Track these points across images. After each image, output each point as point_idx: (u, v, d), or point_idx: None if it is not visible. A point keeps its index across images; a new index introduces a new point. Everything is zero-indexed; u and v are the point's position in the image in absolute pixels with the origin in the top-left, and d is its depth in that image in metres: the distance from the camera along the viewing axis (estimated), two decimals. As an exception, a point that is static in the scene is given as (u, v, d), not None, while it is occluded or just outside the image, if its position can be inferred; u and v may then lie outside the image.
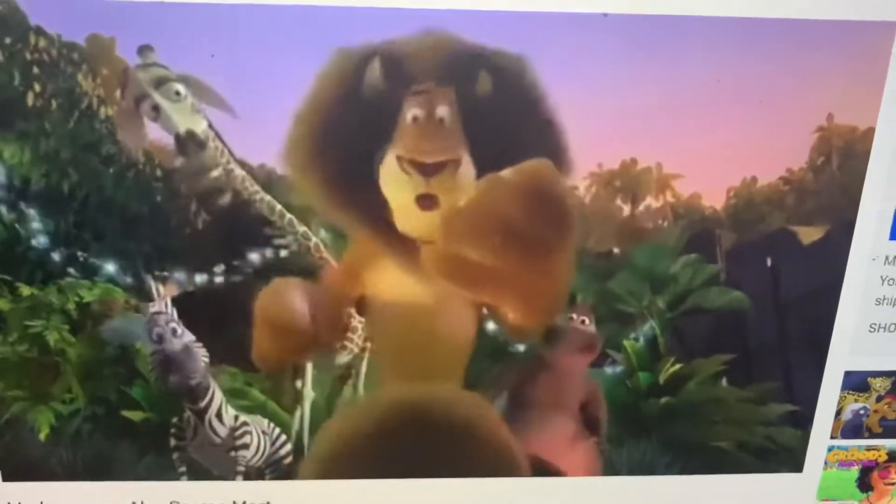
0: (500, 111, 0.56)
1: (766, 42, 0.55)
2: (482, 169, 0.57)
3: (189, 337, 0.61)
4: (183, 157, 0.56)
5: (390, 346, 0.63)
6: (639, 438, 0.66)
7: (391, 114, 0.56)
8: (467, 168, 0.57)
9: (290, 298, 0.60)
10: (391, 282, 0.60)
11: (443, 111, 0.55)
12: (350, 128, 0.56)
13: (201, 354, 0.62)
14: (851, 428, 0.67)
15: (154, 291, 0.60)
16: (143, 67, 0.53)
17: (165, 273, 0.59)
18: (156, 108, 0.54)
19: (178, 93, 0.54)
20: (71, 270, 0.59)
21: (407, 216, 0.58)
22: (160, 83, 0.54)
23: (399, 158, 0.56)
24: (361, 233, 0.59)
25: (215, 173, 0.56)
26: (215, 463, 0.65)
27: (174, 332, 0.61)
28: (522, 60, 0.54)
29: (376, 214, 0.58)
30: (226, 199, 0.57)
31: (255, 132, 0.56)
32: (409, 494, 0.66)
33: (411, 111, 0.55)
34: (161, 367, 0.62)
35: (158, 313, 0.60)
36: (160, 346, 0.61)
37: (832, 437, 0.67)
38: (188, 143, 0.55)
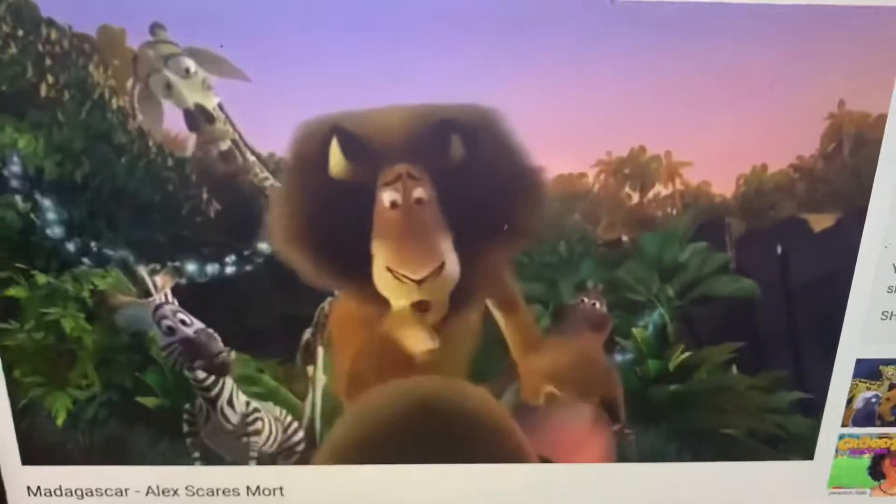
0: (476, 173, 0.57)
1: (777, 28, 0.55)
2: (465, 244, 0.58)
3: (199, 324, 0.62)
4: (193, 132, 0.56)
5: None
6: (648, 426, 0.66)
7: (366, 194, 0.57)
8: (451, 264, 0.58)
9: None
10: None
11: (419, 192, 0.56)
12: (328, 209, 0.57)
13: (216, 336, 0.63)
14: (863, 416, 0.67)
15: (150, 285, 0.60)
16: (153, 44, 0.54)
17: (158, 265, 0.60)
18: (167, 85, 0.55)
19: (188, 69, 0.54)
20: (85, 259, 0.60)
21: (405, 316, 0.60)
22: (169, 58, 0.54)
23: (390, 270, 0.58)
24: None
25: (224, 146, 0.57)
26: (228, 449, 0.66)
27: (183, 322, 0.61)
28: (494, 112, 0.55)
29: (367, 295, 0.59)
30: (233, 174, 0.57)
31: (265, 121, 0.56)
32: (419, 480, 0.67)
33: (388, 195, 0.56)
34: (182, 355, 0.62)
35: (162, 305, 0.61)
36: (174, 338, 0.62)
37: (843, 426, 0.67)
38: (198, 117, 0.56)
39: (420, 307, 0.60)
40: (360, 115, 0.55)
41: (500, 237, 0.59)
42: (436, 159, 0.56)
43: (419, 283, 0.58)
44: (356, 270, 0.59)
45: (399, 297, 0.59)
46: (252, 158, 0.57)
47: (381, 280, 0.59)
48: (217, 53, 0.54)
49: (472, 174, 0.57)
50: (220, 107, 0.56)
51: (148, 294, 0.61)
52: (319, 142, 0.55)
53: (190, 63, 0.54)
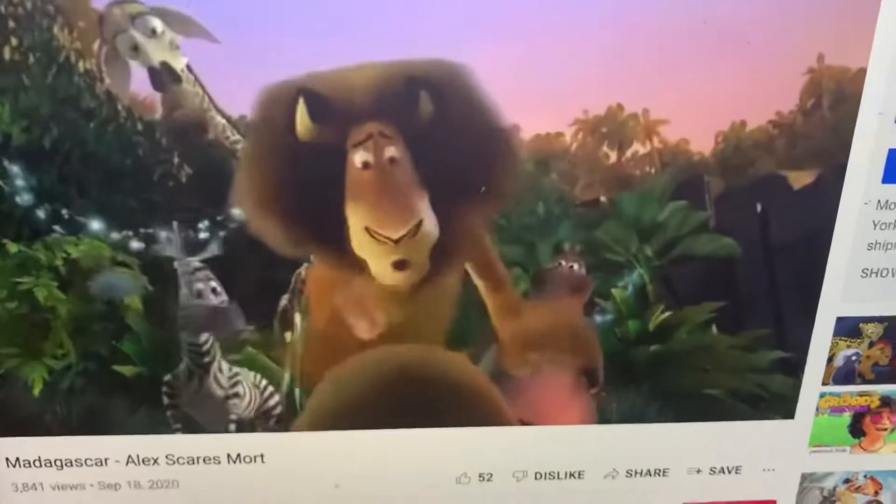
0: (448, 130, 0.56)
1: (754, -19, 0.54)
2: (442, 204, 0.57)
3: (224, 298, 0.61)
4: (159, 92, 0.55)
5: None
6: (629, 386, 0.66)
7: (336, 156, 0.56)
8: (429, 222, 0.57)
9: None
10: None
11: (392, 151, 0.55)
12: (298, 172, 0.56)
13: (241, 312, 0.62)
14: (843, 374, 0.67)
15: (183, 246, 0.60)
16: (119, 4, 0.52)
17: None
18: (134, 46, 0.54)
19: (154, 29, 0.53)
20: (56, 227, 0.59)
21: (384, 275, 0.59)
22: (136, 18, 0.53)
23: (368, 230, 0.57)
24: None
25: (189, 107, 0.56)
26: (209, 414, 0.66)
27: (214, 290, 0.61)
28: (461, 67, 0.54)
29: (343, 259, 0.59)
30: (207, 136, 0.56)
31: (235, 82, 0.55)
32: (400, 445, 0.67)
33: (358, 157, 0.55)
34: (202, 321, 0.62)
35: (199, 269, 0.60)
36: (198, 301, 0.61)
37: (824, 384, 0.67)
38: (164, 76, 0.55)
39: (399, 266, 0.59)
40: (326, 76, 0.54)
41: (476, 197, 0.58)
42: (405, 117, 0.55)
43: (397, 241, 0.58)
44: (330, 235, 0.58)
45: (377, 258, 0.59)
46: (222, 121, 0.56)
47: (358, 241, 0.58)
48: (184, 13, 0.53)
49: (442, 132, 0.56)
50: (189, 68, 0.55)
51: (189, 254, 0.60)
52: (285, 104, 0.54)
53: (157, 23, 0.53)
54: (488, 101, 0.55)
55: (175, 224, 0.59)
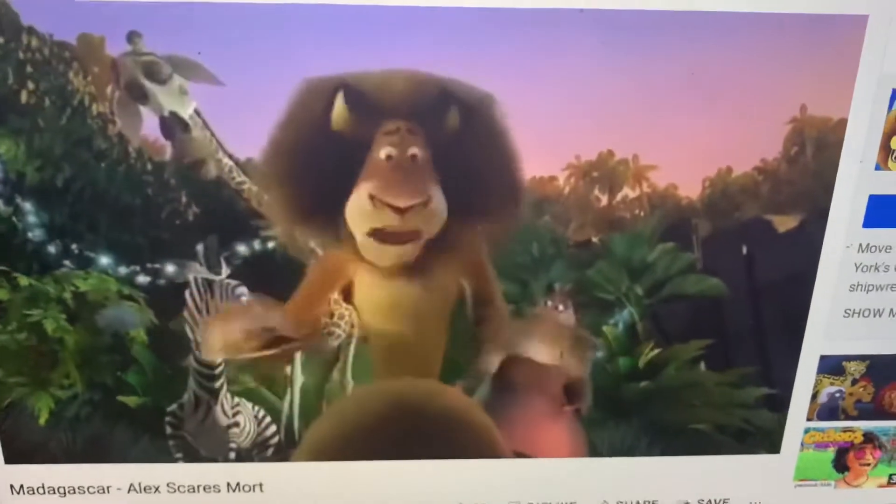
0: (468, 146, 0.58)
1: (739, 35, 0.56)
2: (452, 202, 0.59)
3: None
4: (168, 140, 0.58)
5: (373, 338, 0.65)
6: (619, 421, 0.68)
7: (361, 148, 0.58)
8: (438, 202, 0.59)
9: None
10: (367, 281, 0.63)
11: (415, 149, 0.58)
12: (322, 158, 0.58)
13: None
14: (827, 410, 0.69)
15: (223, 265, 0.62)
16: (131, 53, 0.55)
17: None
18: (144, 95, 0.56)
19: (164, 76, 0.56)
20: (66, 262, 0.61)
21: (373, 250, 0.61)
22: (147, 66, 0.55)
23: (372, 197, 0.59)
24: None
25: (197, 153, 0.58)
26: (210, 443, 0.67)
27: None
28: (490, 97, 0.56)
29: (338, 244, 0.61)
30: (211, 175, 0.59)
31: (242, 126, 0.58)
32: (397, 476, 0.68)
33: (384, 150, 0.58)
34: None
35: (239, 284, 0.62)
36: None
37: (808, 420, 0.69)
38: (173, 125, 0.57)
39: (392, 237, 0.60)
40: (366, 75, 0.56)
41: (482, 213, 0.60)
42: (433, 124, 0.57)
43: (403, 211, 0.59)
44: (330, 205, 0.59)
45: (370, 223, 0.60)
46: (229, 162, 0.58)
47: (358, 208, 0.59)
48: (193, 59, 0.55)
49: (463, 147, 0.58)
50: (197, 112, 0.57)
51: (218, 272, 0.62)
52: (324, 95, 0.56)
53: (167, 70, 0.56)
54: (506, 133, 0.58)
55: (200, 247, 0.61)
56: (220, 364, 0.65)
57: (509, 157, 0.59)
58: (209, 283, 0.62)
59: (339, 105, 0.57)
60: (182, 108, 0.57)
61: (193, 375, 0.65)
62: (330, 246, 0.61)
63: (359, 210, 0.59)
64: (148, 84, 0.56)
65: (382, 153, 0.58)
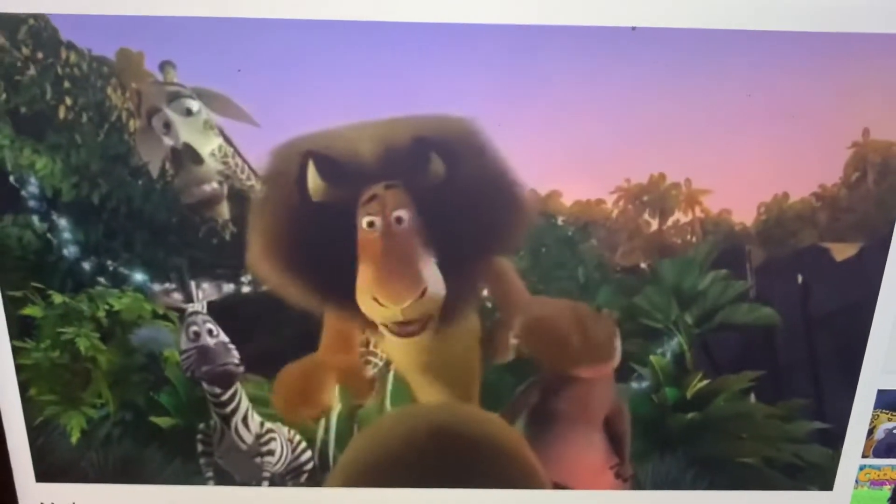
0: (462, 187, 0.56)
1: (800, 56, 0.54)
2: (452, 259, 0.58)
3: (224, 338, 0.62)
4: (177, 169, 0.57)
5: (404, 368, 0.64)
6: (664, 453, 0.65)
7: (348, 216, 0.57)
8: (435, 286, 0.58)
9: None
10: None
11: (400, 211, 0.56)
12: (311, 231, 0.57)
13: (234, 351, 0.62)
14: (884, 447, 0.66)
15: (194, 294, 0.60)
16: (157, 84, 0.54)
17: (173, 286, 0.60)
18: (167, 124, 0.55)
19: (189, 109, 0.55)
20: (101, 279, 0.60)
21: (391, 334, 0.60)
22: (172, 98, 0.54)
23: (375, 299, 0.58)
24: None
25: (208, 188, 0.57)
26: (241, 468, 0.66)
27: (210, 332, 0.62)
28: (467, 122, 0.54)
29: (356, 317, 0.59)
30: (222, 210, 0.57)
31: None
32: (430, 503, 0.66)
33: (366, 218, 0.56)
34: (195, 360, 0.62)
35: (196, 313, 0.61)
36: (196, 343, 0.62)
37: (864, 456, 0.66)
38: (183, 156, 0.56)
39: (402, 329, 0.59)
40: (332, 134, 0.54)
41: (487, 251, 0.59)
42: (415, 178, 0.56)
43: (404, 308, 0.58)
44: (343, 292, 0.58)
45: (384, 321, 0.59)
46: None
47: (366, 307, 0.58)
48: (223, 94, 0.54)
49: (455, 191, 0.56)
50: (229, 141, 0.56)
51: (189, 300, 0.61)
52: (297, 165, 0.55)
53: (193, 104, 0.54)
54: (498, 155, 0.55)
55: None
56: (222, 392, 0.63)
57: (505, 178, 0.56)
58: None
59: (312, 175, 0.55)
60: (205, 141, 0.56)
61: (208, 401, 0.64)
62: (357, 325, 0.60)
63: (366, 306, 0.58)
64: (172, 115, 0.55)
65: (365, 221, 0.56)
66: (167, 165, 0.56)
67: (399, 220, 0.56)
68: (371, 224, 0.56)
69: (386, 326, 0.60)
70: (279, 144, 0.55)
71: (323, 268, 0.59)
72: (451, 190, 0.56)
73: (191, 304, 0.61)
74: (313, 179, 0.55)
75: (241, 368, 0.63)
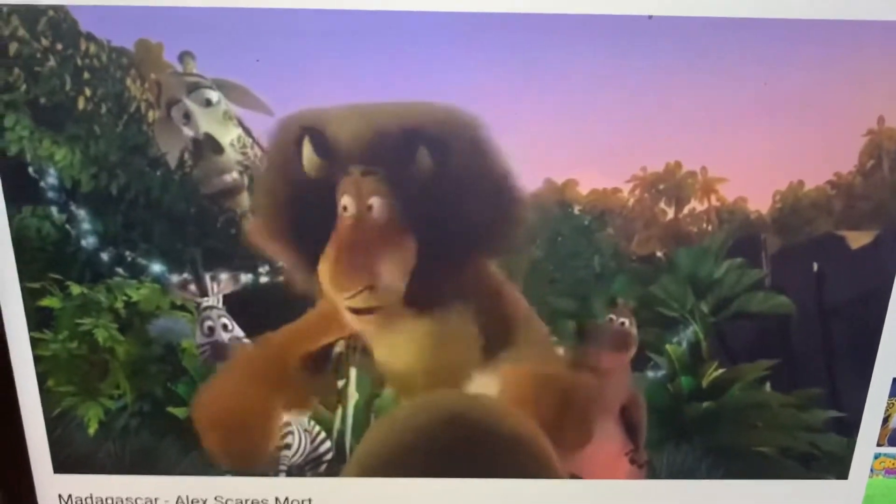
0: (448, 185, 0.56)
1: (815, 44, 0.54)
2: (434, 254, 0.58)
3: (239, 332, 0.62)
4: (197, 160, 0.57)
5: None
6: (680, 442, 0.65)
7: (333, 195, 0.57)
8: (389, 281, 0.58)
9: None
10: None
11: (374, 199, 0.56)
12: (301, 204, 0.57)
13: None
14: (900, 435, 0.66)
15: (209, 287, 0.61)
16: (177, 74, 0.54)
17: (190, 276, 0.61)
18: (187, 115, 0.55)
19: (209, 100, 0.55)
20: (119, 270, 0.60)
21: (351, 318, 0.60)
22: (192, 89, 0.55)
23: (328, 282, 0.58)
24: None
25: (229, 178, 0.57)
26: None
27: (225, 326, 0.62)
28: (475, 121, 0.54)
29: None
30: (242, 201, 0.58)
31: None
32: (448, 494, 0.66)
33: (342, 200, 0.56)
34: (210, 356, 0.63)
35: (211, 307, 0.61)
36: (211, 339, 0.62)
37: (879, 445, 0.66)
38: (204, 146, 0.56)
39: (355, 312, 0.59)
40: (333, 113, 0.55)
41: (473, 247, 0.59)
42: (400, 170, 0.56)
43: (352, 296, 0.58)
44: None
45: (340, 303, 0.59)
46: None
47: (323, 283, 0.59)
48: (241, 84, 0.54)
49: (442, 186, 0.56)
50: (248, 132, 0.56)
51: (205, 294, 0.61)
52: (294, 139, 0.55)
53: (213, 94, 0.55)
54: (495, 154, 0.55)
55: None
56: None
57: (500, 179, 0.56)
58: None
59: (308, 150, 0.55)
60: (226, 131, 0.56)
61: None
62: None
63: (324, 285, 0.58)
64: (191, 105, 0.55)
65: (341, 204, 0.56)
66: (186, 156, 0.57)
67: (370, 208, 0.56)
68: (345, 208, 0.56)
69: (342, 308, 0.60)
70: (286, 116, 0.55)
71: (310, 242, 0.58)
72: (439, 184, 0.56)
73: (205, 299, 0.61)
74: (308, 155, 0.55)
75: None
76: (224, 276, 0.60)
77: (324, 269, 0.58)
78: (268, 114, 0.55)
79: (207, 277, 0.61)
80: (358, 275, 0.58)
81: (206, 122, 0.56)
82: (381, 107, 0.54)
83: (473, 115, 0.55)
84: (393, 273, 0.58)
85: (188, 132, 0.56)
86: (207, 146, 0.56)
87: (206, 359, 0.63)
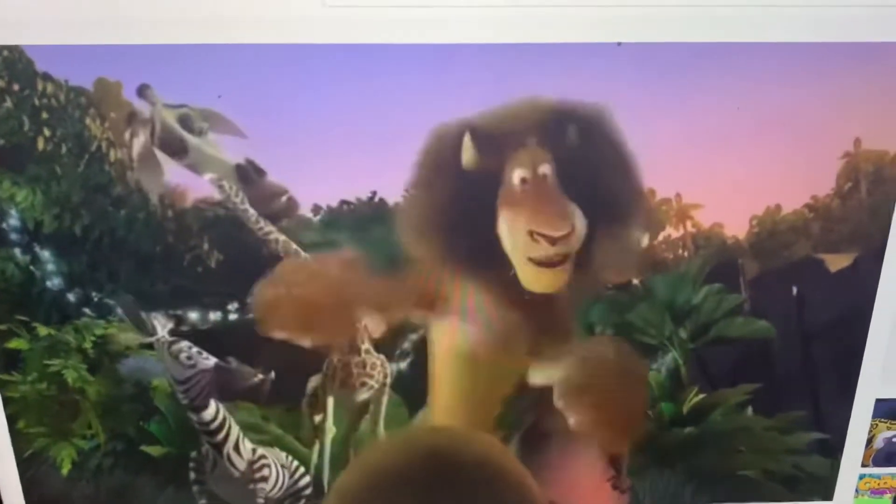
0: (590, 158, 0.56)
1: (788, 67, 0.53)
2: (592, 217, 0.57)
3: (214, 359, 0.61)
4: (245, 184, 0.56)
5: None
6: (663, 468, 0.65)
7: (492, 180, 0.57)
8: (580, 228, 0.57)
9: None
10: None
11: (544, 168, 0.56)
12: (459, 196, 0.57)
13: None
14: (884, 455, 0.65)
15: (150, 325, 0.60)
16: (169, 107, 0.53)
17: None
18: (184, 146, 0.54)
19: (201, 129, 0.54)
20: (86, 310, 0.59)
21: (532, 279, 0.59)
22: (183, 118, 0.54)
23: (531, 233, 0.57)
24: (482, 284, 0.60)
25: (284, 198, 0.57)
26: (235, 496, 0.65)
27: (199, 353, 0.61)
28: (602, 108, 0.54)
29: (498, 271, 0.59)
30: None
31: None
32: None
33: (517, 172, 0.56)
34: (211, 385, 0.61)
35: (177, 340, 0.60)
36: (195, 370, 0.61)
37: (864, 465, 0.65)
38: (248, 170, 0.55)
39: (552, 264, 0.58)
40: (487, 113, 0.55)
41: (609, 219, 0.58)
42: (556, 142, 0.56)
43: (555, 242, 0.57)
44: (483, 251, 0.58)
45: (530, 259, 0.59)
46: (254, 213, 0.56)
47: (518, 244, 0.58)
48: (218, 111, 0.53)
49: (586, 159, 0.56)
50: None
51: (152, 333, 0.60)
52: (452, 141, 0.56)
53: (203, 124, 0.54)
54: (623, 142, 0.55)
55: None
56: (213, 419, 0.62)
57: (628, 164, 0.56)
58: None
59: (468, 146, 0.56)
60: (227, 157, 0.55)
61: (198, 430, 0.63)
62: (486, 278, 0.60)
63: (518, 243, 0.58)
64: (187, 136, 0.54)
65: (516, 177, 0.56)
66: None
67: (545, 176, 0.56)
68: (523, 180, 0.56)
69: (532, 261, 0.59)
70: (440, 124, 0.55)
71: (465, 228, 0.58)
72: (584, 157, 0.56)
73: (157, 336, 0.60)
74: (467, 150, 0.56)
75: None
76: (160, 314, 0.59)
77: (520, 227, 0.58)
78: (241, 136, 0.54)
79: (144, 316, 0.59)
80: (565, 216, 0.57)
81: (211, 149, 0.55)
82: (532, 100, 0.55)
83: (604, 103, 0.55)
84: (581, 221, 0.57)
85: (228, 159, 0.55)
86: (251, 170, 0.55)
87: (201, 390, 0.61)
